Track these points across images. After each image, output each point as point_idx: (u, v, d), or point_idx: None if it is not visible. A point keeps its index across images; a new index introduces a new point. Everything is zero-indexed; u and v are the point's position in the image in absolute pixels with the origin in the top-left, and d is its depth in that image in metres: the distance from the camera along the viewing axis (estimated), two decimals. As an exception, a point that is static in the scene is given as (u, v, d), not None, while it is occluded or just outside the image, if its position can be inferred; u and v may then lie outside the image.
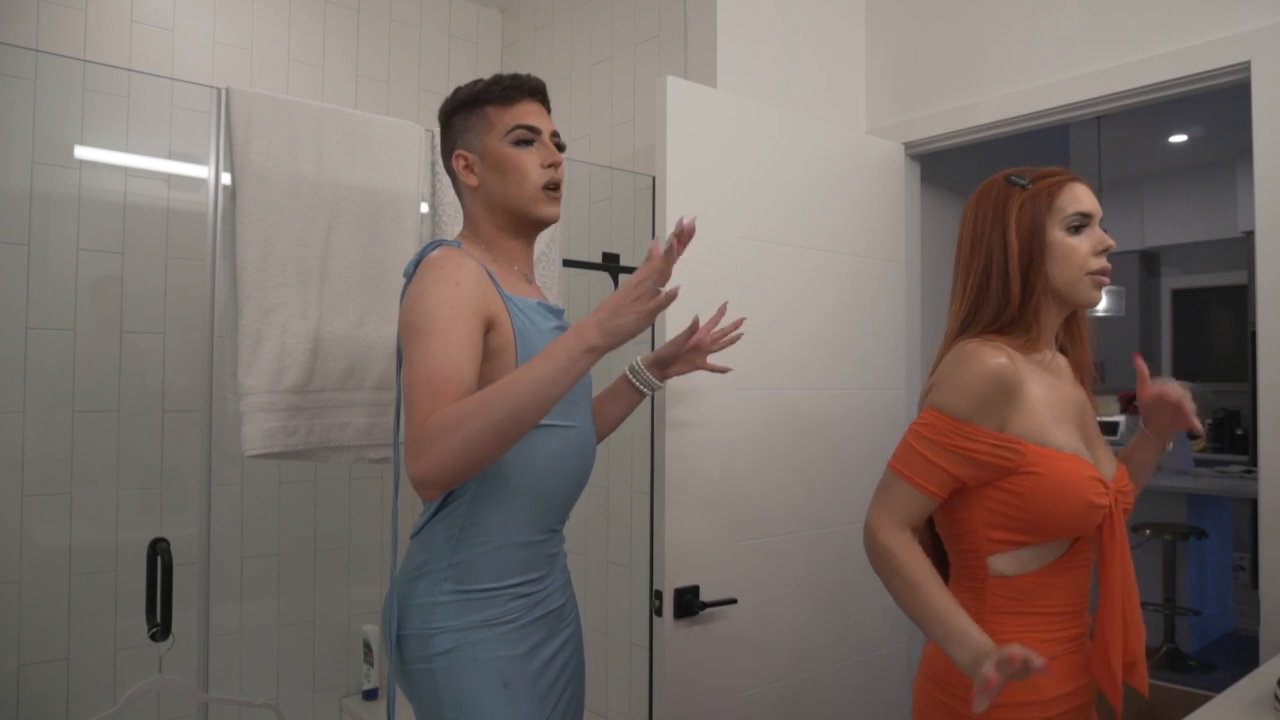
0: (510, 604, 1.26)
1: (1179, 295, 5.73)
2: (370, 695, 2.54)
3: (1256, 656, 1.59)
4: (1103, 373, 2.46)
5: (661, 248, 1.08)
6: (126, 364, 2.19)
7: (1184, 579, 4.10)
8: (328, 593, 2.53)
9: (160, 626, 1.51)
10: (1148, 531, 3.93)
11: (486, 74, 1.38)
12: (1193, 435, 1.25)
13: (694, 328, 1.49)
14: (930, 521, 1.26)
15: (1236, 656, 4.14)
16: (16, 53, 2.03)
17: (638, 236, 2.22)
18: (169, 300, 2.23)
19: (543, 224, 1.35)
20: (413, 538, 1.31)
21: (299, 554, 2.47)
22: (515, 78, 1.33)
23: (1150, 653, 3.22)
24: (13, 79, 2.04)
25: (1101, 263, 1.20)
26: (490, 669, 1.23)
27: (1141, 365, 1.29)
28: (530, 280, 1.39)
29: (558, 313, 1.36)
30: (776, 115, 1.92)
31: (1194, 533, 3.90)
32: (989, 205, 1.23)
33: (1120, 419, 4.75)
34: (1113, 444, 1.27)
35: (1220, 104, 2.85)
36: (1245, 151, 1.70)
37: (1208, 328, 5.61)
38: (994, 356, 1.14)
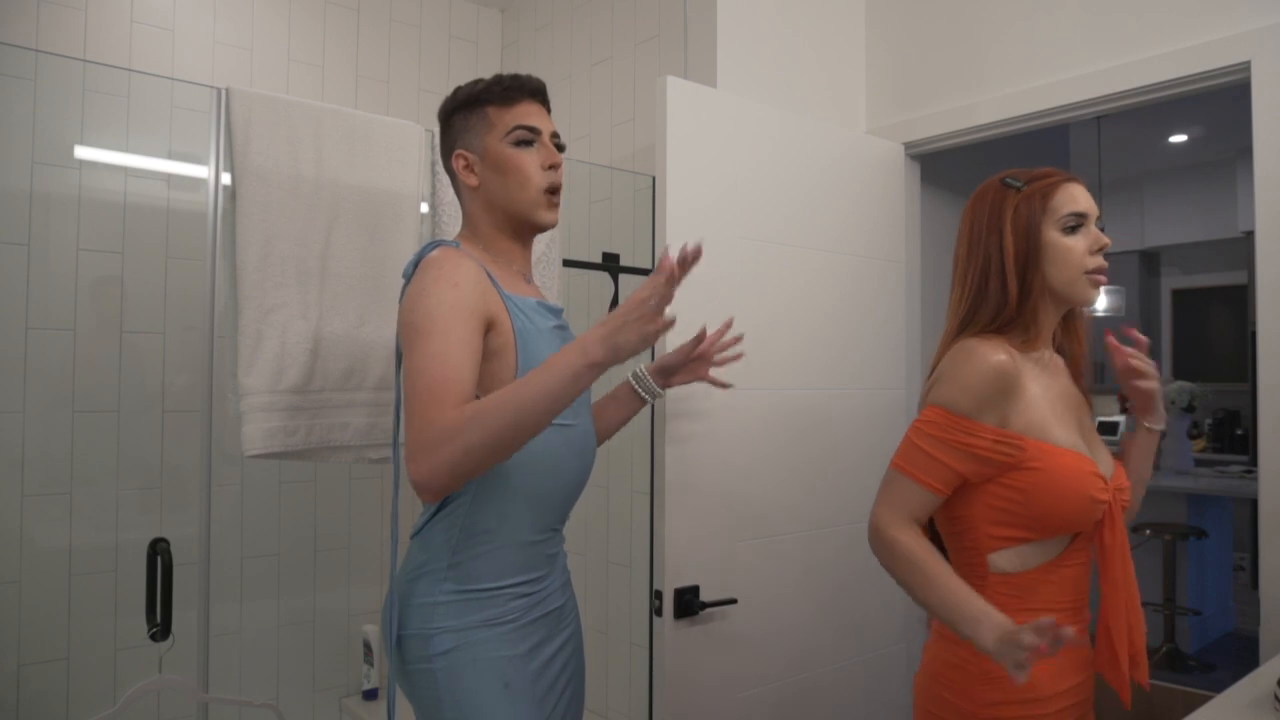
0: (510, 604, 1.26)
1: (1179, 295, 5.73)
2: (370, 695, 2.54)
3: (1256, 656, 1.59)
4: (1101, 373, 2.47)
5: (674, 257, 1.08)
6: (126, 364, 2.19)
7: (1184, 579, 4.10)
8: (328, 593, 2.53)
9: (160, 626, 1.51)
10: (1148, 531, 3.93)
11: (486, 74, 1.38)
12: (1126, 408, 1.28)
13: (700, 337, 1.49)
14: (930, 520, 1.26)
15: (1236, 656, 4.14)
16: (16, 53, 2.03)
17: (638, 236, 2.22)
18: (169, 300, 2.23)
19: (541, 228, 1.35)
20: (413, 538, 1.31)
21: (299, 554, 2.47)
22: (516, 78, 1.33)
23: (1150, 653, 3.22)
24: (13, 79, 2.04)
25: (1098, 261, 1.21)
26: (490, 669, 1.23)
27: (1111, 340, 1.29)
28: (529, 280, 1.39)
29: (557, 312, 1.36)
30: (776, 115, 1.92)
31: (1194, 533, 3.90)
32: (985, 208, 1.24)
33: (1120, 419, 4.74)
34: (1111, 444, 1.27)
35: (1220, 104, 2.85)
36: (1245, 151, 1.70)
37: (1208, 328, 5.61)
38: (994, 353, 1.15)
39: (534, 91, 1.35)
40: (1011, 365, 1.15)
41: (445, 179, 1.71)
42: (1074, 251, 1.19)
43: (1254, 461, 4.68)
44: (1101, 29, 1.86)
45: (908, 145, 2.22)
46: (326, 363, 1.60)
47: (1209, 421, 5.33)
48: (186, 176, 2.28)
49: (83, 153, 2.17)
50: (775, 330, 1.87)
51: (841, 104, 2.29)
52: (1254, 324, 1.66)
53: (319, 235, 1.61)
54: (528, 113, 1.32)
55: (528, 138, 1.31)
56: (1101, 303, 4.53)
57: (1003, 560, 1.18)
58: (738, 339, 1.55)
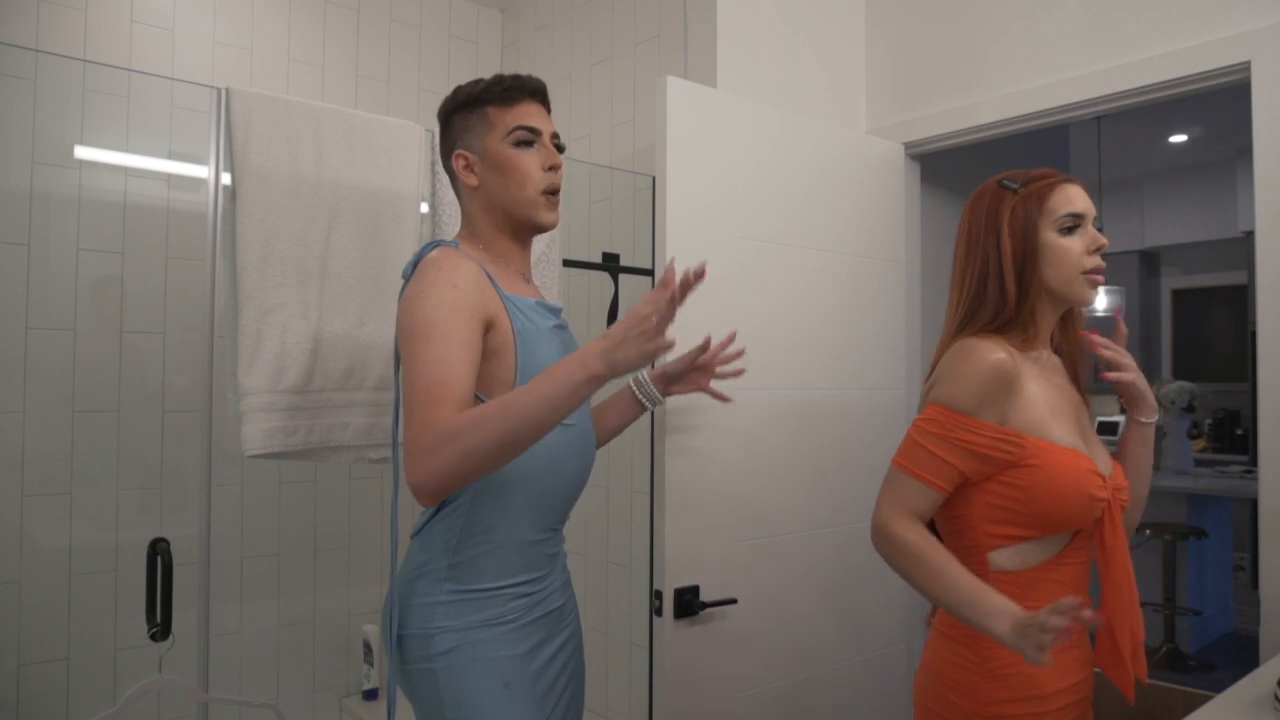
0: (511, 604, 1.26)
1: (1179, 295, 5.73)
2: (370, 695, 2.54)
3: (1256, 656, 1.59)
4: (1099, 373, 2.46)
5: (679, 271, 1.07)
6: (126, 364, 2.19)
7: (1184, 579, 4.10)
8: (328, 593, 2.53)
9: (160, 626, 1.51)
10: (1148, 531, 3.93)
11: (486, 74, 1.38)
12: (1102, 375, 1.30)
13: (704, 346, 1.48)
14: (930, 520, 1.27)
15: (1236, 656, 4.14)
16: (16, 53, 2.03)
17: (638, 236, 2.22)
18: (169, 300, 2.23)
19: (541, 229, 1.35)
20: (413, 538, 1.31)
21: (299, 554, 2.47)
22: (516, 78, 1.33)
23: (1150, 653, 3.22)
24: (13, 79, 2.04)
25: (1095, 261, 1.21)
26: (491, 669, 1.23)
27: (1087, 335, 1.30)
28: (528, 280, 1.39)
29: (556, 311, 1.36)
30: (776, 115, 1.92)
31: (1194, 533, 3.90)
32: (983, 209, 1.25)
33: (1120, 419, 4.74)
34: (1111, 444, 1.28)
35: (1220, 104, 2.84)
36: (1245, 151, 1.70)
37: (1208, 328, 5.61)
38: (993, 351, 1.16)
39: (534, 92, 1.35)
40: (1010, 363, 1.16)
41: (445, 179, 1.71)
42: (1071, 252, 1.20)
43: (1254, 461, 4.68)
44: (1101, 29, 1.86)
45: (908, 145, 2.22)
46: (326, 363, 1.60)
47: (1209, 421, 5.32)
48: (186, 176, 2.28)
49: (83, 153, 2.17)
50: (775, 330, 1.87)
51: (841, 104, 2.29)
52: (1254, 324, 1.67)
53: (319, 235, 1.61)
54: (528, 113, 1.32)
55: (528, 138, 1.31)
56: (1100, 302, 4.53)
57: (1003, 558, 1.18)
58: (740, 353, 1.55)
